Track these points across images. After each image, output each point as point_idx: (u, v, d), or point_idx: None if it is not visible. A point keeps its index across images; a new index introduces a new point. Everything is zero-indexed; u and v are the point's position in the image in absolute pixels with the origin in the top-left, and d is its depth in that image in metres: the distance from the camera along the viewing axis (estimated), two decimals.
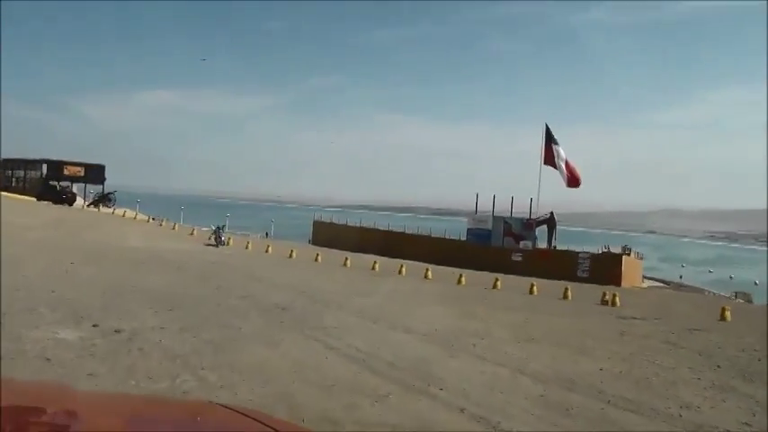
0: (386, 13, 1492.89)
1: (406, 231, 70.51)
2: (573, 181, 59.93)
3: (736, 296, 71.60)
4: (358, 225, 75.33)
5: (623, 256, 57.88)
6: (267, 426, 2.21)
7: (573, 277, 49.57)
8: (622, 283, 53.39)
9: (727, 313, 27.58)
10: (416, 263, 44.99)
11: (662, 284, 73.28)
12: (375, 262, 39.81)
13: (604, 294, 31.42)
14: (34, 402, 2.24)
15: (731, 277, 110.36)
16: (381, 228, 72.13)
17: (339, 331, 15.78)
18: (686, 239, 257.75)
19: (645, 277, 66.26)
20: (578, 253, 58.15)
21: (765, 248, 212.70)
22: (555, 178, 59.92)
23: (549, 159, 59.84)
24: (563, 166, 59.41)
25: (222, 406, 2.59)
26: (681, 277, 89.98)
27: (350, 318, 18.47)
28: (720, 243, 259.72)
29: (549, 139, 60.03)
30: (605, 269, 54.31)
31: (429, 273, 36.65)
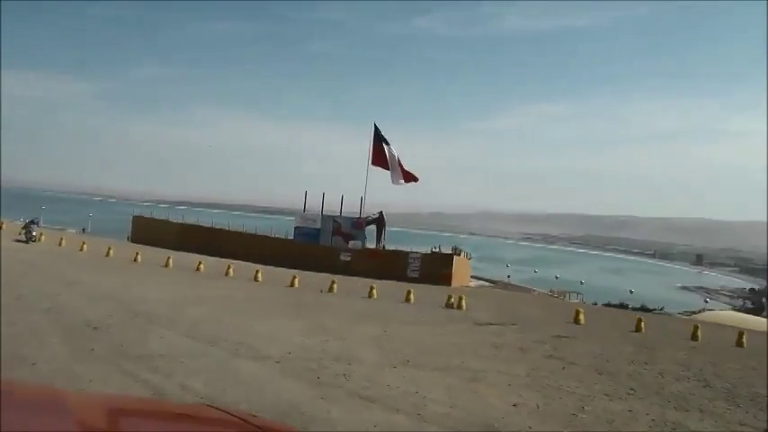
0: (218, 7, 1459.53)
1: (232, 229, 66.99)
2: (408, 177, 58.59)
3: (568, 295, 74.08)
4: (180, 222, 71.02)
5: (454, 256, 57.10)
6: (259, 428, 2.25)
7: (403, 277, 48.42)
8: (452, 283, 52.63)
9: (581, 316, 27.88)
10: (243, 263, 42.51)
11: (489, 284, 74.01)
12: (200, 262, 36.89)
13: (450, 297, 30.33)
14: (31, 405, 2.23)
15: (557, 277, 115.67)
16: (205, 225, 68.17)
17: (169, 362, 12.10)
18: (504, 240, 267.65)
19: (472, 277, 66.16)
20: (408, 253, 56.87)
21: (581, 250, 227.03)
22: (381, 179, 58.48)
23: (378, 159, 58.27)
24: (397, 163, 57.95)
25: (216, 408, 2.61)
26: (509, 277, 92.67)
27: (181, 340, 14.74)
28: (537, 245, 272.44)
29: (379, 139, 58.45)
30: (436, 269, 53.22)
31: (259, 274, 33.97)
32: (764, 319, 69.43)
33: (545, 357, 17.51)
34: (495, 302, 36.28)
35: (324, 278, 35.75)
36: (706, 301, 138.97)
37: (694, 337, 25.86)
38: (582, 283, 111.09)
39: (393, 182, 58.19)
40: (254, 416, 2.53)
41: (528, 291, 73.02)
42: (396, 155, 58.60)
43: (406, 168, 58.38)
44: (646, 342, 23.03)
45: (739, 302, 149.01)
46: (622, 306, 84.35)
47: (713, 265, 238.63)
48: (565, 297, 76.43)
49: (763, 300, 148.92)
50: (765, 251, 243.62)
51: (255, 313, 20.90)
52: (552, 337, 21.64)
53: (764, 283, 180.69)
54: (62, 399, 2.37)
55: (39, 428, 2.00)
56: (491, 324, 24.17)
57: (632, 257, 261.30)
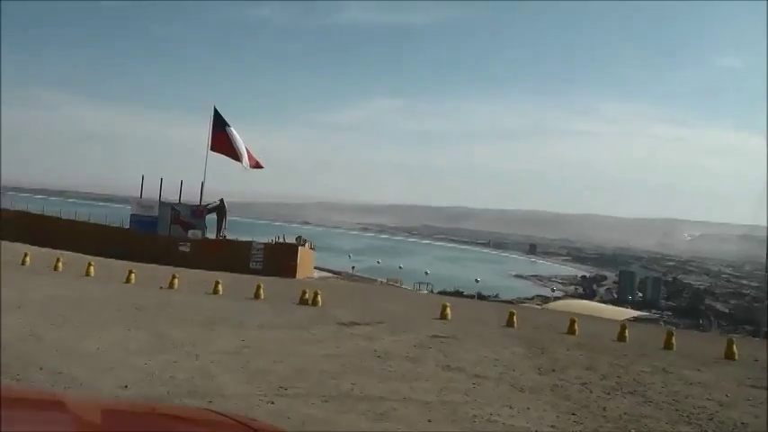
0: None
1: (64, 217, 62.22)
2: (253, 163, 56.58)
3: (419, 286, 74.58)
4: (6, 208, 65.46)
5: (299, 247, 55.54)
6: (251, 428, 2.24)
7: (245, 269, 46.04)
8: (297, 275, 51.22)
9: (449, 311, 26.79)
10: (75, 254, 39.16)
11: (332, 275, 73.08)
12: (26, 254, 33.35)
13: (304, 292, 28.12)
14: (31, 409, 2.25)
15: (401, 267, 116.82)
16: (35, 212, 63.00)
17: None
18: (342, 230, 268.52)
19: (315, 268, 64.88)
20: (251, 243, 54.83)
21: (419, 240, 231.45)
22: (220, 165, 56.22)
23: (218, 145, 55.96)
24: (242, 147, 55.82)
25: (216, 412, 2.60)
26: (353, 268, 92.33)
27: None
28: (376, 235, 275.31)
29: (220, 124, 56.11)
30: (280, 260, 51.46)
31: (92, 268, 30.94)
32: (622, 309, 72.53)
33: (443, 369, 15.69)
34: (349, 296, 34.65)
35: (163, 271, 33.14)
36: (553, 290, 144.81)
37: (571, 331, 25.12)
38: (427, 273, 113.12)
39: (243, 167, 56.05)
40: (254, 420, 2.55)
41: (372, 282, 72.82)
42: (239, 138, 56.63)
43: (251, 154, 56.58)
44: (529, 340, 21.95)
45: (571, 289, 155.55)
46: (458, 293, 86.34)
47: (546, 254, 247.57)
48: (399, 284, 76.60)
49: (594, 286, 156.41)
50: (595, 242, 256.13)
51: (85, 321, 17.71)
52: (431, 338, 20.11)
53: (594, 270, 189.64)
54: (62, 402, 2.37)
55: None
56: (357, 324, 22.24)
57: (468, 247, 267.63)
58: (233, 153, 55.82)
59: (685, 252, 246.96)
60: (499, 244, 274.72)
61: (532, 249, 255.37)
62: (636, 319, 57.22)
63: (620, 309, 73.46)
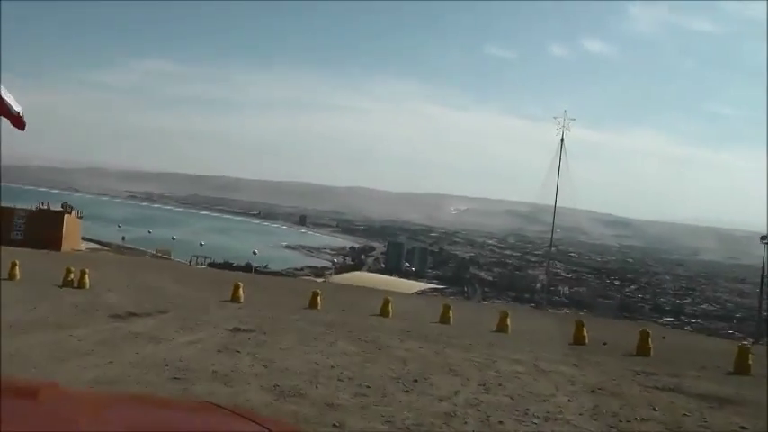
0: None
1: None
2: (18, 123, 52.50)
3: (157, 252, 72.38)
4: None
5: (65, 215, 52.02)
6: (263, 426, 2.19)
7: (6, 240, 41.81)
8: (63, 247, 48.27)
9: (240, 292, 24.84)
10: None
11: (102, 246, 69.92)
12: None
13: (69, 271, 24.42)
14: (32, 401, 2.15)
15: (174, 238, 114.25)
16: None
17: None
18: (111, 199, 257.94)
19: (82, 239, 61.26)
20: (14, 210, 50.90)
21: (188, 210, 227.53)
22: None
23: None
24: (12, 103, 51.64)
25: (218, 406, 2.54)
26: (123, 239, 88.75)
27: None
28: (145, 204, 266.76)
29: None
30: (44, 230, 47.96)
31: None
32: (413, 282, 74.17)
33: (272, 394, 11.12)
34: (121, 274, 31.36)
35: None
36: (334, 262, 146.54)
37: (385, 312, 24.41)
38: (202, 244, 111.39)
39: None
40: (256, 413, 2.56)
41: (142, 254, 70.25)
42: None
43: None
44: (349, 330, 19.65)
45: (341, 259, 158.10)
46: (228, 265, 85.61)
47: (316, 225, 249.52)
48: (169, 255, 74.47)
49: (363, 256, 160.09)
50: (364, 214, 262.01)
51: None
52: (233, 334, 16.91)
53: (363, 241, 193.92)
54: (63, 395, 2.33)
55: (40, 423, 1.97)
56: (135, 315, 18.54)
57: (239, 218, 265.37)
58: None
59: (452, 224, 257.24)
60: (270, 215, 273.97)
61: (303, 221, 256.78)
62: (422, 293, 58.34)
63: (411, 282, 75.11)
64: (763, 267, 58.61)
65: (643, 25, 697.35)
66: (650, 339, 20.70)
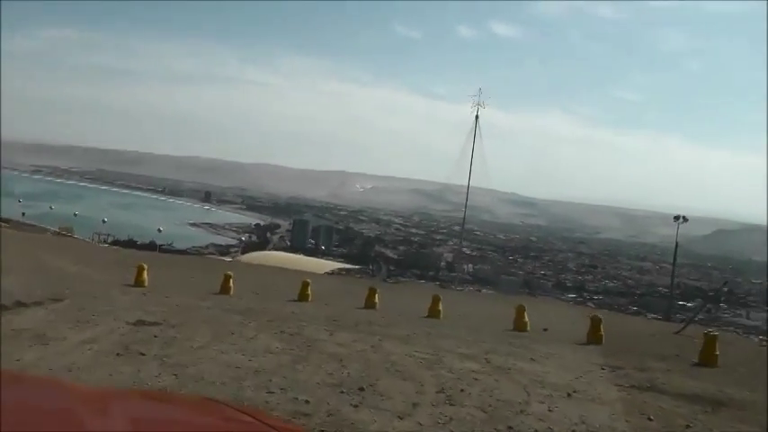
0: None
1: None
2: None
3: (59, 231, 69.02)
4: None
5: None
6: (264, 423, 2.22)
7: None
8: None
9: (145, 275, 22.46)
10: None
11: (2, 223, 65.71)
12: None
13: None
14: (33, 397, 2.20)
15: (76, 214, 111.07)
16: None
17: None
18: (12, 172, 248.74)
19: None
20: None
21: (92, 185, 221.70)
22: None
23: None
24: None
25: (220, 402, 2.57)
26: (24, 215, 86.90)
27: None
28: (49, 178, 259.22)
29: None
30: None
31: None
32: (323, 261, 72.00)
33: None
34: (17, 253, 27.48)
35: None
36: (241, 240, 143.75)
37: (303, 296, 22.90)
38: (105, 221, 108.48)
39: None
40: (258, 410, 2.61)
41: (45, 231, 66.46)
42: None
43: None
44: (279, 322, 17.15)
45: (246, 237, 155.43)
46: (132, 243, 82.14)
47: (221, 202, 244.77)
48: (71, 233, 70.82)
49: (268, 234, 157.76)
50: (269, 191, 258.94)
51: None
52: (136, 329, 14.58)
53: (268, 218, 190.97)
54: (67, 391, 2.36)
55: (41, 420, 1.96)
56: (23, 305, 16.00)
57: (143, 194, 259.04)
58: None
59: (357, 202, 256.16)
60: (174, 191, 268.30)
61: (207, 197, 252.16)
62: (333, 273, 56.18)
63: (322, 261, 72.90)
64: (676, 246, 58.94)
65: (550, 8, 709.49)
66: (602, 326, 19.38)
